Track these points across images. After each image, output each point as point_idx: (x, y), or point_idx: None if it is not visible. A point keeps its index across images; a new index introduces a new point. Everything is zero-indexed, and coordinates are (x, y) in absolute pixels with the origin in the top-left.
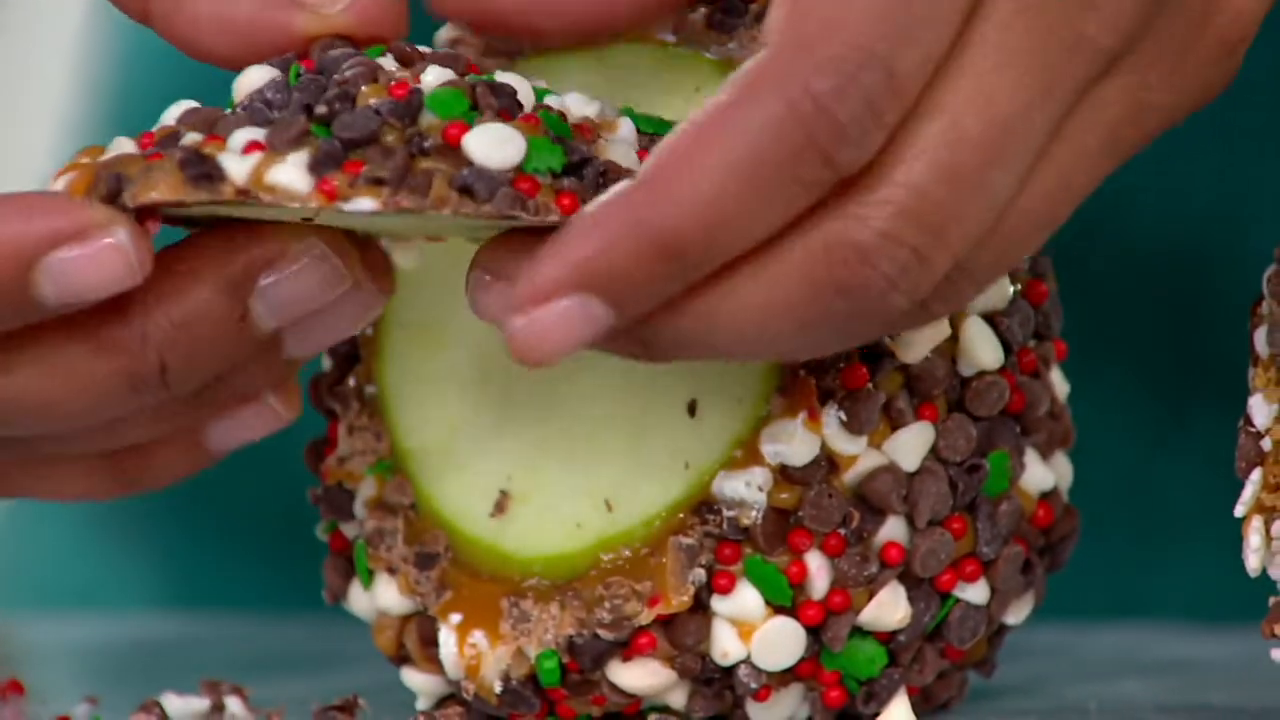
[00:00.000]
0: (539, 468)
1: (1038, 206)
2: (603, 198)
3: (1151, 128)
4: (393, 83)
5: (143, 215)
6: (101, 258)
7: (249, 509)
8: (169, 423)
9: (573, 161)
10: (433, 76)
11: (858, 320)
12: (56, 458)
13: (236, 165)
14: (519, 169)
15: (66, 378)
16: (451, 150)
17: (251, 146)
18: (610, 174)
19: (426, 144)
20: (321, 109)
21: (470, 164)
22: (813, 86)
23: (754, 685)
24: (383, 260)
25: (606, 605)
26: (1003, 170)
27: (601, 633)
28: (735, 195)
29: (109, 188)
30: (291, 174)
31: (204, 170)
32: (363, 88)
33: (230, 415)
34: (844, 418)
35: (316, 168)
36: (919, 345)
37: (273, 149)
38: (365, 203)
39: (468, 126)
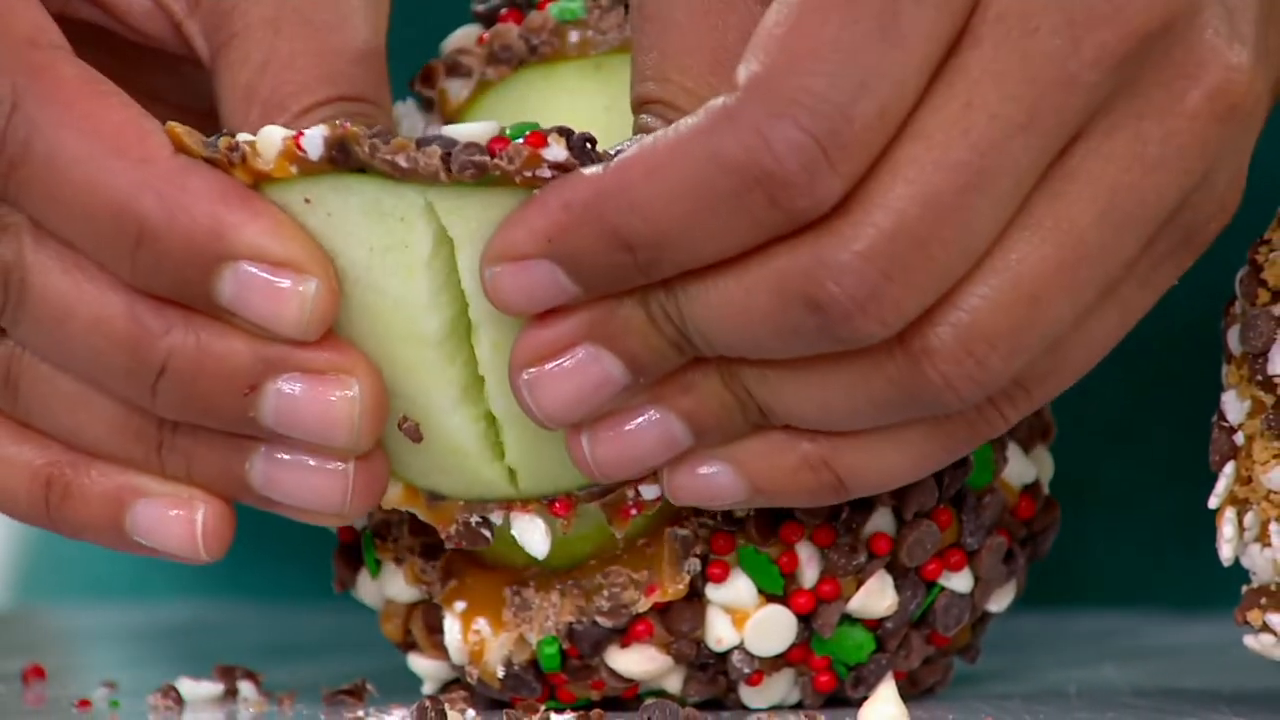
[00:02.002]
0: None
1: (1045, 260)
2: (577, 174)
3: (1164, 191)
4: None
5: None
6: (285, 296)
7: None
8: (130, 441)
9: (558, 129)
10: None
11: (828, 340)
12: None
13: (245, 135)
14: (494, 138)
15: (90, 321)
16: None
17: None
18: (595, 144)
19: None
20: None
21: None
22: (766, 132)
23: (747, 670)
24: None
25: (605, 593)
26: (982, 197)
27: (600, 620)
28: (683, 216)
29: None
30: (273, 131)
31: (218, 131)
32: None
33: (160, 507)
34: None
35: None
36: None
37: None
38: (318, 131)
39: None
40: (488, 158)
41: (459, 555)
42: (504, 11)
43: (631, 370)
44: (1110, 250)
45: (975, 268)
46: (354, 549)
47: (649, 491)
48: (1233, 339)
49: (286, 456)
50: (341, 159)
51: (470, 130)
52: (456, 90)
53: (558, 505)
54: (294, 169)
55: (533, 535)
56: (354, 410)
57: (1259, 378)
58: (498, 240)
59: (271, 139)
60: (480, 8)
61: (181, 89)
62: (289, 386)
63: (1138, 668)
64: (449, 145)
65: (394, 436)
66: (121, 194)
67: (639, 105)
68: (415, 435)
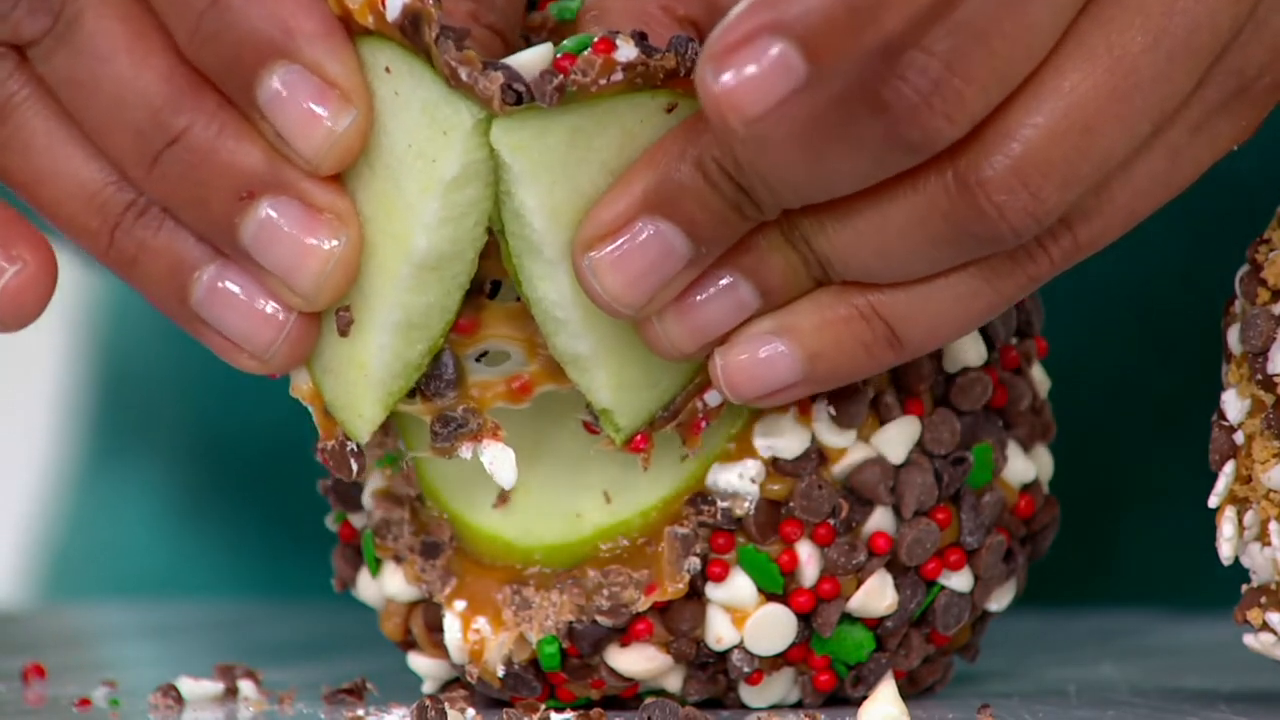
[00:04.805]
0: (540, 460)
1: (1098, 88)
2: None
3: (1216, 19)
4: None
5: None
6: (319, 118)
7: (264, 500)
8: (91, 211)
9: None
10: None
11: (895, 148)
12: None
13: None
14: (554, 59)
15: (129, 70)
16: None
17: None
18: (647, 37)
19: None
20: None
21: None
22: None
23: (747, 669)
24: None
25: (605, 593)
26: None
27: (600, 619)
28: None
29: None
30: None
31: None
32: None
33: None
34: (833, 412)
35: None
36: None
37: None
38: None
39: None
40: (562, 77)
41: (459, 554)
42: None
43: (692, 239)
44: (1163, 80)
45: (1029, 96)
46: (354, 548)
47: (713, 399)
48: (1233, 338)
49: (237, 284)
50: (411, 32)
51: (530, 56)
52: None
53: (638, 441)
54: (371, 20)
55: (503, 465)
56: (330, 260)
57: (1259, 377)
58: (716, 37)
59: None
60: None
61: None
62: (282, 212)
63: (1137, 667)
64: (513, 76)
65: (325, 318)
66: None
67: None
68: (344, 328)
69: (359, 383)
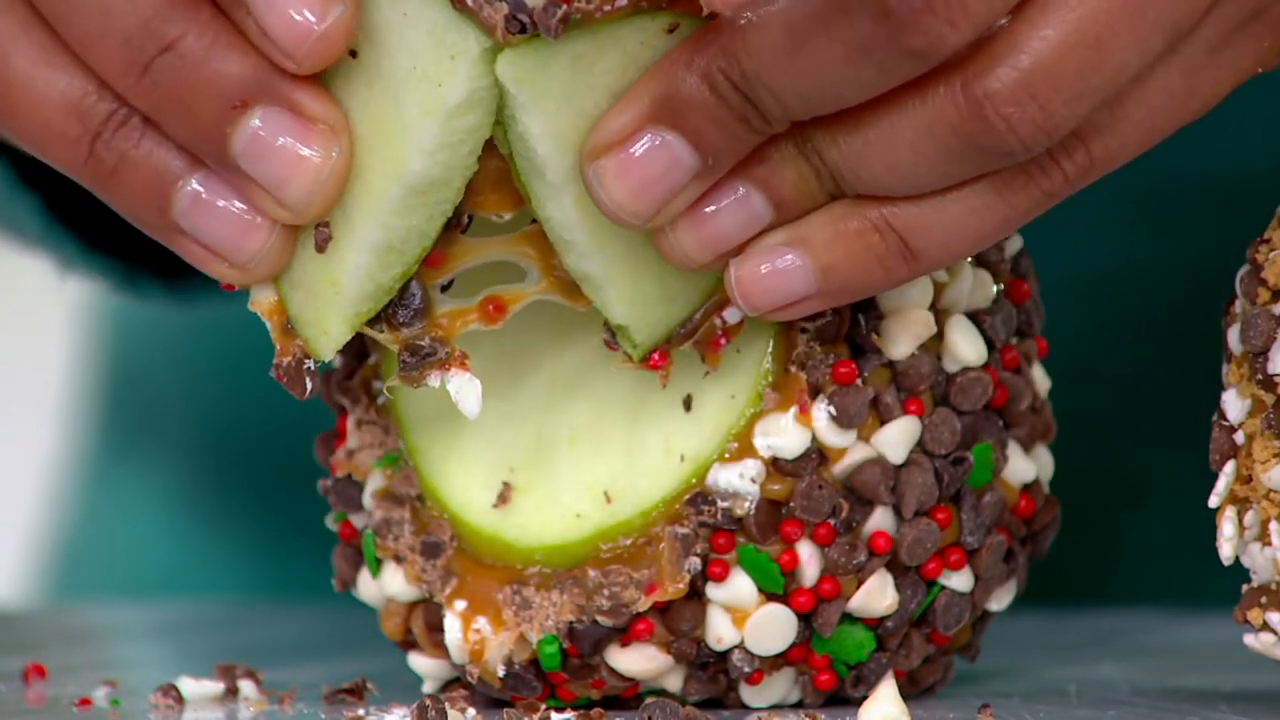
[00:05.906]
0: (540, 460)
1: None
2: None
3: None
4: None
5: None
6: (300, 19)
7: (266, 500)
8: (72, 118)
9: None
10: None
11: (898, 55)
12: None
13: None
14: None
15: None
16: None
17: None
18: None
19: None
20: None
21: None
22: None
23: (747, 669)
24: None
25: (605, 593)
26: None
27: (601, 619)
28: None
29: None
30: None
31: None
32: None
33: None
34: (834, 412)
35: None
36: (904, 342)
37: None
38: None
39: None
40: (566, 7)
41: (460, 554)
42: None
43: (699, 150)
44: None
45: (1038, 8)
46: (355, 548)
47: (733, 315)
48: (1233, 338)
49: (222, 193)
50: None
51: None
52: None
53: (656, 359)
54: None
55: (468, 395)
56: (322, 173)
57: (1259, 377)
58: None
59: None
60: None
61: None
62: (275, 122)
63: (1137, 666)
64: (518, 5)
65: (302, 232)
66: None
67: None
68: (322, 244)
69: (330, 300)
